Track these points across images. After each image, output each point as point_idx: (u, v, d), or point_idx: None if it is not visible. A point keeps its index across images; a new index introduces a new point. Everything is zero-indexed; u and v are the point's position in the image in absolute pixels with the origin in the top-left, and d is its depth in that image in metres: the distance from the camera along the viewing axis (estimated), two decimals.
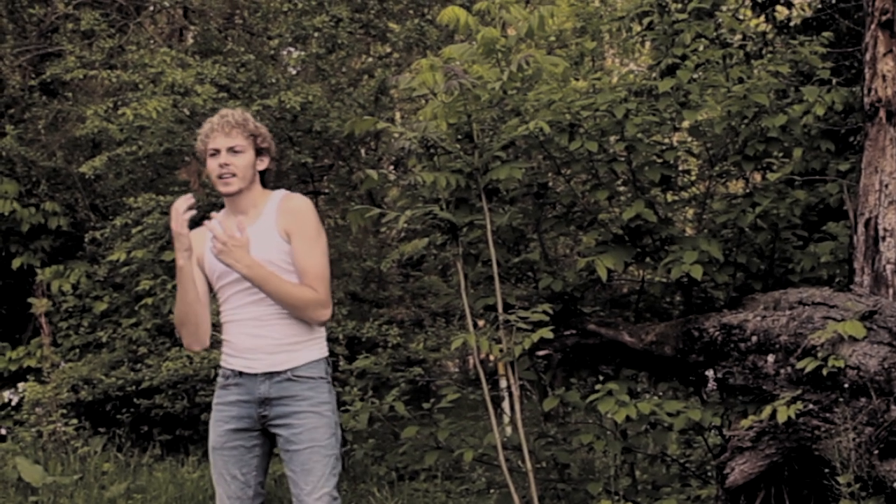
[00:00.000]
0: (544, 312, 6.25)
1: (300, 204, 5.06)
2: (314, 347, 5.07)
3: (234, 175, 4.98)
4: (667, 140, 7.28)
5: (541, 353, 6.87)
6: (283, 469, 5.07)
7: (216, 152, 5.00)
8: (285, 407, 4.97)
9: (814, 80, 6.89)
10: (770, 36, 9.20)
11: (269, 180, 5.23)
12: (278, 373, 4.97)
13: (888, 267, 5.96)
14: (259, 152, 5.09)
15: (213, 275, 5.10)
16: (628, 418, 6.17)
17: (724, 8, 7.88)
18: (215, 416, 5.10)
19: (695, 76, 6.85)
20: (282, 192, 5.16)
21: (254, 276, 4.85)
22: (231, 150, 4.99)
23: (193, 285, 5.00)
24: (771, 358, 5.86)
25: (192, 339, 5.12)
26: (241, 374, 5.01)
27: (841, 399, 5.41)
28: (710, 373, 6.47)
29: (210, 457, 5.12)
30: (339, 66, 12.80)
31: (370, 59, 14.35)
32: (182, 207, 4.86)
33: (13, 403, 12.25)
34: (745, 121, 6.61)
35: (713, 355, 6.23)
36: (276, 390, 4.96)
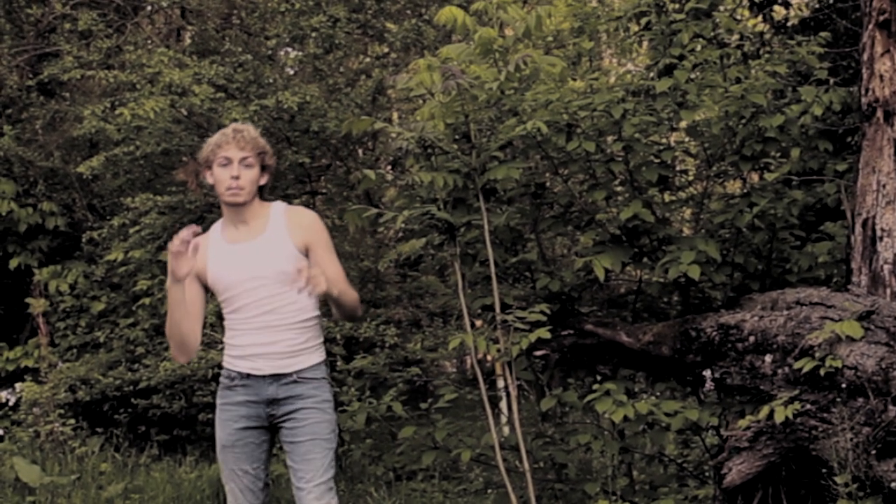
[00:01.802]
0: (542, 312, 6.25)
1: (311, 217, 5.37)
2: (316, 352, 5.34)
3: (242, 188, 5.19)
4: (664, 140, 7.27)
5: (538, 353, 6.86)
6: (286, 459, 5.29)
7: (228, 162, 5.20)
8: (291, 405, 5.23)
9: (811, 80, 6.88)
10: (767, 36, 9.20)
11: (265, 195, 5.44)
12: (285, 375, 5.23)
13: (885, 267, 5.95)
14: (263, 168, 5.32)
15: (218, 284, 5.30)
16: (626, 418, 6.15)
17: (721, 8, 7.87)
18: (223, 415, 5.33)
19: (692, 76, 6.84)
20: (281, 205, 5.41)
21: (341, 292, 5.16)
22: (243, 161, 5.20)
23: (179, 306, 5.16)
24: (768, 358, 5.85)
25: (178, 351, 5.36)
26: (248, 375, 5.25)
27: (838, 399, 5.40)
28: (707, 373, 6.45)
29: (219, 455, 5.36)
30: (337, 67, 12.81)
31: (367, 60, 14.33)
32: (187, 237, 5.00)
33: (10, 403, 12.28)
34: (743, 121, 6.60)
35: (710, 355, 6.22)
36: (283, 391, 5.23)
